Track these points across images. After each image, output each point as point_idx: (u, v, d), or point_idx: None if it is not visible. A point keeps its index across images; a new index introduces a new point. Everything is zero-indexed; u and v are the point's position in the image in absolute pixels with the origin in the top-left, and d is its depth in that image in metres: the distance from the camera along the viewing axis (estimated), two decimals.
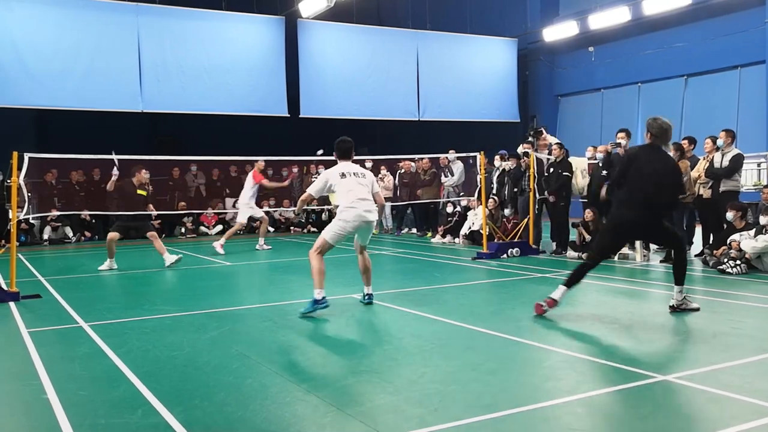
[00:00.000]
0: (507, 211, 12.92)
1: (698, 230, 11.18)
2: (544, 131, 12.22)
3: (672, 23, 18.26)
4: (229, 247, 12.94)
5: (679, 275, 6.45)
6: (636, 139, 17.60)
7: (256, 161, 13.65)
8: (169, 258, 10.61)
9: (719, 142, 10.15)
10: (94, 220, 16.29)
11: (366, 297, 7.09)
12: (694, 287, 8.40)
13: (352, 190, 6.67)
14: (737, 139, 10.72)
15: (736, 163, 10.03)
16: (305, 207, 6.96)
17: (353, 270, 10.06)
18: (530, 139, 12.25)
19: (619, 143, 11.00)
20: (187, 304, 7.35)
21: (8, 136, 18.13)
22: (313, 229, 17.85)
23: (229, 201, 18.36)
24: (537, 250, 11.62)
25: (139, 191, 10.74)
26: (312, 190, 6.81)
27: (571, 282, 6.33)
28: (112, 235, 10.53)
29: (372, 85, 19.31)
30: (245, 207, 13.36)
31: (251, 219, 14.31)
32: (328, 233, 6.66)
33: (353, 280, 8.83)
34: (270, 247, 13.53)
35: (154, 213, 11.87)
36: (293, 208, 17.70)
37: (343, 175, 6.73)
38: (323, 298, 6.45)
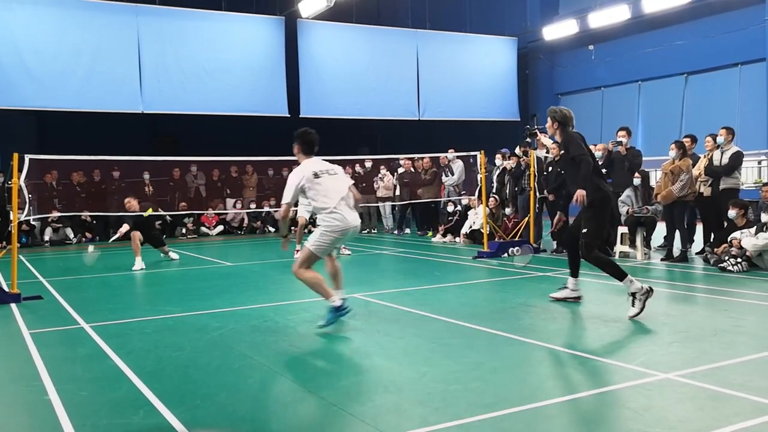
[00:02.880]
0: (508, 210, 12.93)
1: (699, 228, 11.18)
2: (538, 133, 12.20)
3: (672, 21, 18.24)
4: (231, 248, 12.98)
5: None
6: (636, 137, 17.63)
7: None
8: (138, 263, 10.57)
9: (719, 139, 10.15)
10: (95, 221, 16.29)
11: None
12: (695, 285, 8.41)
13: (331, 191, 5.92)
14: (737, 137, 10.72)
15: (736, 160, 10.03)
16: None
17: (355, 269, 10.09)
18: (527, 140, 12.26)
19: (620, 141, 11.02)
20: (188, 305, 7.35)
21: (9, 137, 18.14)
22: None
23: (229, 201, 18.38)
24: (538, 248, 11.61)
25: (146, 213, 11.23)
26: (286, 200, 6.02)
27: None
28: (135, 233, 10.85)
29: (372, 85, 19.30)
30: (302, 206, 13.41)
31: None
32: (314, 245, 5.96)
33: (354, 279, 8.84)
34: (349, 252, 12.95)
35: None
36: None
37: (316, 175, 5.95)
38: (343, 301, 5.82)
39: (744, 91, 17.08)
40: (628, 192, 10.63)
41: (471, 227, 13.54)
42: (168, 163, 17.49)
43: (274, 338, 5.70)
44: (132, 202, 11.39)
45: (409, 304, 6.99)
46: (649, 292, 6.07)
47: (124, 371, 4.73)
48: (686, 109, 18.34)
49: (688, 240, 10.46)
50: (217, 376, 4.60)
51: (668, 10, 17.59)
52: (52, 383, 4.46)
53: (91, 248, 10.81)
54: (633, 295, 6.07)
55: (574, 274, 6.93)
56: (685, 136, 11.12)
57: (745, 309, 6.65)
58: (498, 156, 13.56)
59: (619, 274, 6.21)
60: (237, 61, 17.72)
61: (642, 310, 6.01)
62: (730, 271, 8.77)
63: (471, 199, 14.02)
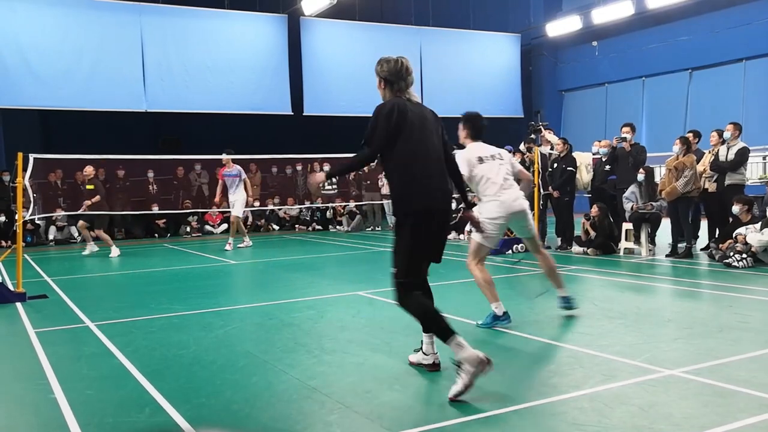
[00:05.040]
0: None
1: (704, 224, 11.15)
2: (542, 129, 12.18)
3: (676, 17, 18.19)
4: (235, 246, 13.01)
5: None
6: (641, 133, 17.58)
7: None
8: (115, 251, 12.20)
9: (726, 134, 10.11)
10: None
11: (562, 301, 6.06)
12: (700, 281, 8.39)
13: (492, 177, 5.71)
14: (742, 132, 10.68)
15: (742, 156, 10.00)
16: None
17: (358, 267, 10.09)
18: (531, 136, 12.25)
19: (624, 137, 10.99)
20: (193, 303, 7.36)
21: (13, 136, 18.21)
22: (318, 227, 17.88)
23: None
24: (542, 245, 11.58)
25: (88, 186, 12.36)
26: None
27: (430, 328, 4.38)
28: (81, 223, 12.59)
29: (375, 83, 19.28)
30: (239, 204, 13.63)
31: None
32: (478, 236, 5.63)
33: (359, 276, 8.84)
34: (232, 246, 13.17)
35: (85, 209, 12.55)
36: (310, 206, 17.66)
37: (480, 160, 5.73)
38: (504, 313, 5.70)
39: (748, 87, 17.03)
40: (632, 188, 10.61)
41: None
42: (172, 161, 17.53)
43: (278, 336, 5.71)
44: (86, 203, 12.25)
45: None
46: (484, 363, 3.88)
47: (130, 370, 4.74)
48: (690, 105, 18.30)
49: (692, 236, 10.44)
50: (221, 374, 4.61)
51: (672, 5, 17.56)
52: (58, 382, 4.47)
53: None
54: (458, 364, 3.92)
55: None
56: (689, 132, 11.09)
57: (751, 305, 6.64)
58: None
59: (444, 332, 4.02)
60: (240, 59, 17.75)
61: (468, 387, 3.87)
62: (735, 267, 8.75)
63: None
